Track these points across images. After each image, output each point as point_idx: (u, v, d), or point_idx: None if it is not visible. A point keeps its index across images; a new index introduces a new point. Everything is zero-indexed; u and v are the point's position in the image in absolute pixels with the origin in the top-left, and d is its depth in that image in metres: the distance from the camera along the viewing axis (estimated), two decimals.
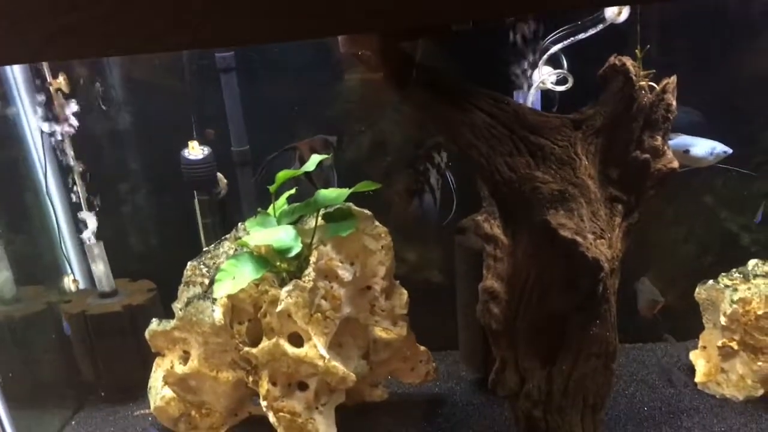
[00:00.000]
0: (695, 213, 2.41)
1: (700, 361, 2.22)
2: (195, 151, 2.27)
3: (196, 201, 2.33)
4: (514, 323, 1.92)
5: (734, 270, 2.14)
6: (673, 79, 1.77)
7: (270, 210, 1.99)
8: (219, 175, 2.34)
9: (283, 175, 1.90)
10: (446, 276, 2.45)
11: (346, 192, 1.95)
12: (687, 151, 1.99)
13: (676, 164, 1.81)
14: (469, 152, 1.80)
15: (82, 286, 2.51)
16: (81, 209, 2.33)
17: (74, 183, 2.30)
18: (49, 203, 2.37)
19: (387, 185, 2.31)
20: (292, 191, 2.03)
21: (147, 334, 2.16)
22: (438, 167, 2.23)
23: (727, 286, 2.09)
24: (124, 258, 2.47)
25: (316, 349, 1.93)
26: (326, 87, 2.30)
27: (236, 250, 2.05)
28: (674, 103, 1.78)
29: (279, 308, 1.90)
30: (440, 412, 2.21)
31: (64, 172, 2.35)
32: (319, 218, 1.95)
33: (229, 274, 1.89)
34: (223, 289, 1.88)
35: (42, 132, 2.26)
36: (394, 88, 1.84)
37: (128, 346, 2.33)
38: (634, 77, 1.75)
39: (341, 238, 1.96)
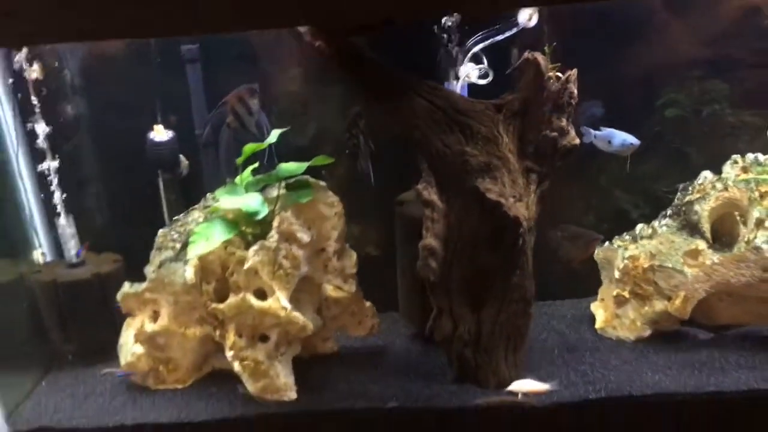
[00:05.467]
0: (593, 191, 2.85)
1: (599, 311, 2.63)
2: (160, 133, 2.51)
3: (160, 180, 2.57)
4: (449, 275, 2.27)
5: (625, 233, 2.57)
6: (575, 71, 2.18)
7: (237, 180, 2.27)
8: (181, 156, 2.59)
9: (249, 148, 2.19)
10: (384, 246, 2.78)
11: (304, 165, 2.25)
12: (610, 142, 2.42)
13: (577, 141, 2.21)
14: (411, 131, 2.15)
15: (48, 259, 2.69)
16: (50, 187, 2.53)
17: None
18: (19, 182, 2.55)
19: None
20: (256, 165, 2.31)
21: (119, 296, 2.38)
22: (363, 132, 2.54)
23: (620, 246, 2.52)
24: (90, 233, 2.67)
25: (279, 301, 2.21)
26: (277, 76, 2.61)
27: (205, 217, 2.31)
28: (575, 90, 2.18)
29: (247, 265, 2.17)
30: (384, 360, 2.53)
31: (35, 153, 2.54)
32: (282, 188, 2.25)
33: (203, 236, 2.15)
34: (197, 249, 2.14)
35: (14, 115, 2.46)
36: (347, 76, 2.17)
37: (97, 313, 2.53)
38: (543, 69, 2.15)
39: (300, 206, 2.26)
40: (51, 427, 2.29)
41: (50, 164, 2.50)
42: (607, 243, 2.58)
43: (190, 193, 2.60)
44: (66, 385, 2.51)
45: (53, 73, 2.48)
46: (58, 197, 2.54)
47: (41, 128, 2.47)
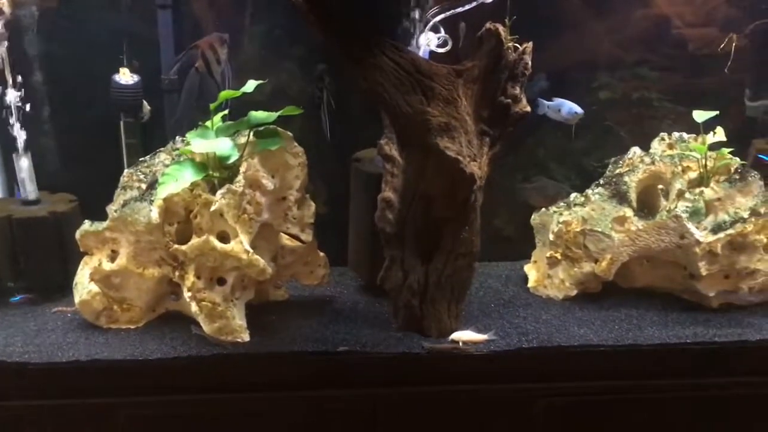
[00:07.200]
0: (530, 163, 3.08)
1: (532, 272, 2.86)
2: (125, 76, 2.54)
3: (122, 123, 2.60)
4: (403, 228, 2.43)
5: (560, 200, 2.80)
6: (530, 44, 2.37)
7: (208, 124, 2.34)
8: (144, 102, 2.63)
9: (225, 94, 2.27)
10: (334, 203, 2.90)
11: (274, 115, 2.34)
12: (559, 111, 2.67)
13: (528, 109, 2.40)
14: (376, 89, 2.27)
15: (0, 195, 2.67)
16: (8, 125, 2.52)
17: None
18: None
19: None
20: (226, 111, 2.39)
21: (78, 234, 2.40)
22: (327, 88, 2.67)
23: (555, 212, 2.75)
24: (45, 172, 2.67)
25: (241, 244, 2.30)
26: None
27: (173, 159, 2.37)
28: (530, 62, 2.37)
29: (213, 208, 2.25)
30: (333, 309, 2.66)
31: None
32: (251, 135, 2.33)
33: (173, 176, 2.21)
34: (167, 190, 2.20)
35: None
36: (320, 31, 2.27)
37: (52, 251, 2.54)
38: (503, 39, 2.33)
39: (266, 154, 2.35)
40: (2, 360, 2.29)
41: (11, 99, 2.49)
42: (543, 209, 2.81)
43: (150, 138, 2.64)
44: (15, 321, 2.50)
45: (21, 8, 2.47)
46: (17, 133, 2.53)
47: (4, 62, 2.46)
